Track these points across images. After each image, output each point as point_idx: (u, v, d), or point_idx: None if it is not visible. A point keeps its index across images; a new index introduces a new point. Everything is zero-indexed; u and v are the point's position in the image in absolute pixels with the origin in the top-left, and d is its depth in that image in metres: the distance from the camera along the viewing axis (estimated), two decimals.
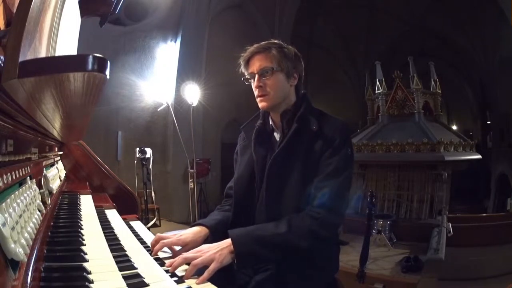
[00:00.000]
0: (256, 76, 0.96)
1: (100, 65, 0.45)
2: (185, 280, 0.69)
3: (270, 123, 1.04)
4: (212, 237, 0.96)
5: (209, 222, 0.98)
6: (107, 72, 0.46)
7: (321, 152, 0.92)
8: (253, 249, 0.81)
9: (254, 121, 1.07)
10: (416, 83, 6.41)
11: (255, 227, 0.89)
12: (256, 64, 0.97)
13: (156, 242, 0.85)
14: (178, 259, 0.74)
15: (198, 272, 0.72)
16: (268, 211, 0.94)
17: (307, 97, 1.03)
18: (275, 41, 1.00)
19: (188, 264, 0.74)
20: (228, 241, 0.81)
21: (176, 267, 0.73)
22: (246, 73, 1.00)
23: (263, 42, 0.99)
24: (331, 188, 0.88)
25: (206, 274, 0.71)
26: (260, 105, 0.98)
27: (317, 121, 0.95)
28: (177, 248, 0.87)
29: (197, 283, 0.68)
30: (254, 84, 0.98)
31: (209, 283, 0.69)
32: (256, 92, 0.98)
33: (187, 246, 0.88)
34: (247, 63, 0.99)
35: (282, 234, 0.83)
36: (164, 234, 0.89)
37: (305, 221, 0.86)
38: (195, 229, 0.95)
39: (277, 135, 1.02)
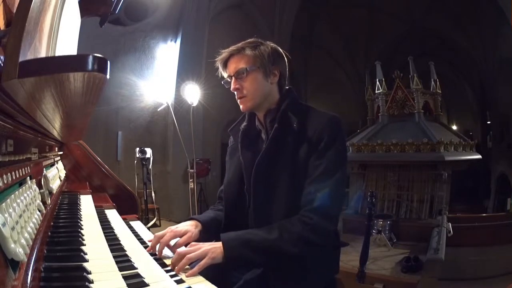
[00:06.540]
0: (233, 79, 0.94)
1: (100, 65, 0.45)
2: (178, 273, 0.72)
3: (257, 123, 1.01)
4: (204, 232, 0.96)
5: (202, 217, 0.99)
6: (107, 72, 0.46)
7: (309, 151, 0.88)
8: (242, 253, 0.81)
9: (241, 123, 1.04)
10: (416, 83, 6.39)
11: (247, 231, 0.87)
12: (232, 67, 0.95)
13: (156, 242, 0.85)
14: (184, 259, 0.75)
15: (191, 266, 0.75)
16: (258, 216, 0.92)
17: (292, 93, 0.98)
18: (251, 39, 0.96)
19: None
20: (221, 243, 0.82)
21: (182, 268, 0.74)
22: (225, 76, 0.98)
23: (240, 43, 0.96)
24: (324, 191, 0.85)
25: (196, 268, 0.73)
26: (240, 107, 0.96)
27: (301, 118, 0.91)
28: (175, 241, 0.88)
29: (187, 276, 0.70)
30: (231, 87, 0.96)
31: (206, 281, 0.69)
32: (235, 95, 0.96)
33: (184, 236, 0.90)
34: (225, 66, 0.97)
35: (272, 240, 0.82)
36: (161, 232, 0.89)
37: (297, 227, 0.83)
38: (189, 222, 0.96)
39: (264, 136, 0.99)
